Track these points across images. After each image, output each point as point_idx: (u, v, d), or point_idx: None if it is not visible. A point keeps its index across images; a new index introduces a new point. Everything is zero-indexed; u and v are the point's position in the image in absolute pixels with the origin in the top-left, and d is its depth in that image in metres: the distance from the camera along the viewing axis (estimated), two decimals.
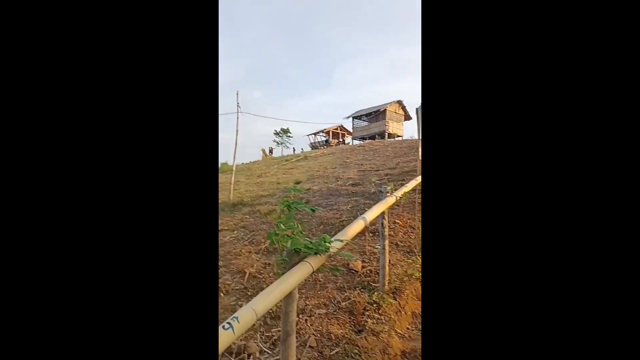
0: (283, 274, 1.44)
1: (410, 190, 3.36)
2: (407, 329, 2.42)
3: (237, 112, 7.58)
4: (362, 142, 21.31)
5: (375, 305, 2.56)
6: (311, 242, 1.56)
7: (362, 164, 9.67)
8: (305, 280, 1.76)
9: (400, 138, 22.22)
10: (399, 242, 3.86)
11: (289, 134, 29.14)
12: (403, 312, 2.55)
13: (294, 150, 27.34)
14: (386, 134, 22.08)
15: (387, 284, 2.82)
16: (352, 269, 3.19)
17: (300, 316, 2.45)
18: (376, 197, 5.10)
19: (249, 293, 2.90)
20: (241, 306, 1.63)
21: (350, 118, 25.14)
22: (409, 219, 4.53)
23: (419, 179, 3.85)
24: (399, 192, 3.03)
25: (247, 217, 5.36)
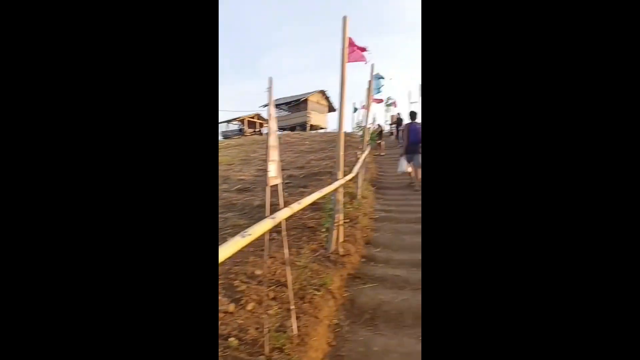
0: None
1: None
2: None
3: None
4: (281, 132, 20.79)
5: None
6: None
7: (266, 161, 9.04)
8: None
9: (323, 130, 22.70)
10: None
11: None
12: None
13: None
14: (308, 125, 22.35)
15: None
16: None
17: None
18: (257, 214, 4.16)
19: None
20: None
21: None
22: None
23: (324, 190, 2.79)
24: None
25: None
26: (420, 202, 5.32)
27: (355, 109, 14.64)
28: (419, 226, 4.29)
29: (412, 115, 6.84)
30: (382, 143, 11.60)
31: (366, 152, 6.45)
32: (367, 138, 6.75)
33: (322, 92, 24.61)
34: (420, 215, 4.48)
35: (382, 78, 7.25)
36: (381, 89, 7.12)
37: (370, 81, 6.43)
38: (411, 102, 13.97)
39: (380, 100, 12.61)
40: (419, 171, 6.25)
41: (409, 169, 6.60)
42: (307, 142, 12.50)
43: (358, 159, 5.41)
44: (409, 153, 6.50)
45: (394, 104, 16.87)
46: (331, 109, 25.13)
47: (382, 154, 11.03)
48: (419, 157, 6.18)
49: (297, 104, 23.07)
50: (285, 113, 23.80)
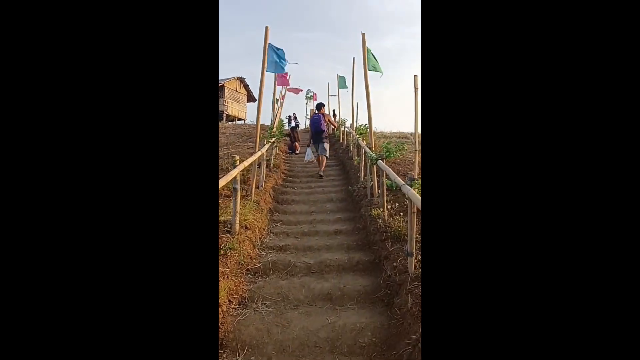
0: None
1: None
2: None
3: None
4: None
5: None
6: None
7: None
8: None
9: (242, 122, 20.14)
10: None
11: None
12: None
13: None
14: (224, 115, 19.54)
15: None
16: None
17: None
18: None
19: None
20: None
21: None
22: None
23: None
24: None
25: None
26: (327, 226, 3.93)
27: (277, 100, 12.64)
28: (320, 285, 2.59)
29: (317, 106, 6.89)
30: (296, 144, 9.36)
31: (258, 154, 4.45)
32: (259, 131, 4.62)
33: (241, 80, 21.74)
34: (324, 256, 3.06)
35: (284, 61, 5.15)
36: (281, 67, 5.05)
37: (264, 47, 4.42)
38: (330, 95, 12.48)
39: (297, 90, 10.70)
40: (322, 159, 6.47)
41: (312, 158, 6.70)
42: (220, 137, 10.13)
43: (236, 164, 3.36)
44: (313, 143, 6.55)
45: (313, 96, 15.17)
46: (251, 98, 22.51)
47: (296, 151, 9.06)
48: (322, 146, 6.37)
49: None
50: None
